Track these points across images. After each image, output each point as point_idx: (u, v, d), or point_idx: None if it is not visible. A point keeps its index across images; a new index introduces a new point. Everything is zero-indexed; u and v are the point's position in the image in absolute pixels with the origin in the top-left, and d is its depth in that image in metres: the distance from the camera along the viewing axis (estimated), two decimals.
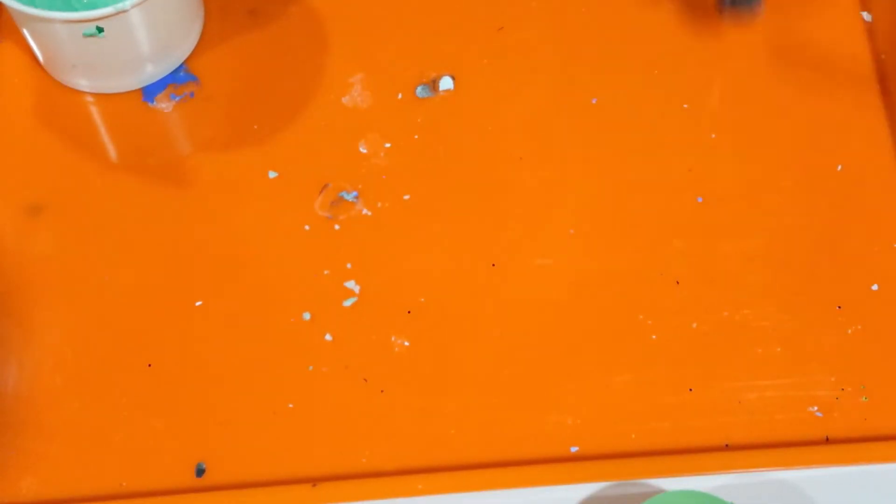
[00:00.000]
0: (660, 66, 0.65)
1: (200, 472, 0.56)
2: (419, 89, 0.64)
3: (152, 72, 0.64)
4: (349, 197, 0.62)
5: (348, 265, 0.60)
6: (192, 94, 0.64)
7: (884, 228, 0.60)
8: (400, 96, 0.64)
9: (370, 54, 0.66)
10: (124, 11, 0.58)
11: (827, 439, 0.56)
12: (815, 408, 0.56)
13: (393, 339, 0.58)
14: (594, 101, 0.64)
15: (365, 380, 0.57)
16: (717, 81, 0.64)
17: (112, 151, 0.64)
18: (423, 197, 0.62)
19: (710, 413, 0.56)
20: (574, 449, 0.56)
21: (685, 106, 0.64)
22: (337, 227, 0.61)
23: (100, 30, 0.59)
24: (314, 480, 0.55)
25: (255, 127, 0.63)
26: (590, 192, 0.62)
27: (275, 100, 0.64)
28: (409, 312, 0.59)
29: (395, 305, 0.59)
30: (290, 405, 0.57)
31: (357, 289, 0.59)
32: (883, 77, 0.64)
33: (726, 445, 0.56)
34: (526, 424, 0.56)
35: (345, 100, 0.64)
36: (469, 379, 0.57)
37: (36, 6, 0.58)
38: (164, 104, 0.64)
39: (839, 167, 0.62)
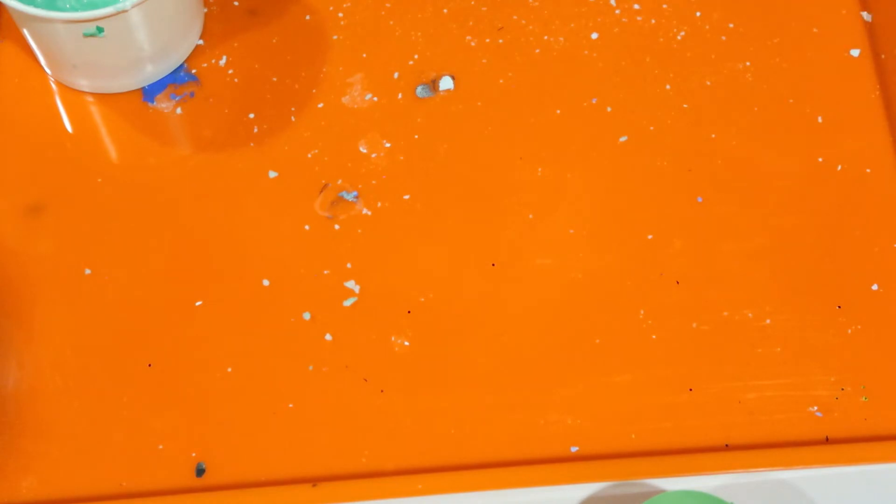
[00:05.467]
0: (659, 65, 0.65)
1: (200, 472, 0.56)
2: (419, 89, 0.64)
3: (152, 72, 0.64)
4: (349, 197, 0.62)
5: (348, 265, 0.60)
6: (192, 94, 0.64)
7: (884, 228, 0.60)
8: (400, 96, 0.64)
9: (370, 54, 0.66)
10: (124, 11, 0.58)
11: (827, 439, 0.56)
12: (815, 408, 0.56)
13: (393, 339, 0.58)
14: (594, 101, 0.64)
15: (365, 380, 0.57)
16: (718, 81, 0.64)
17: (112, 151, 0.64)
18: (423, 197, 0.62)
19: (710, 413, 0.56)
20: (574, 449, 0.56)
21: (685, 106, 0.64)
22: (337, 227, 0.61)
23: (100, 30, 0.59)
24: (314, 480, 0.55)
25: (255, 127, 0.63)
26: (590, 192, 0.62)
27: (275, 100, 0.64)
28: (409, 312, 0.59)
29: (395, 305, 0.59)
30: (290, 405, 0.57)
31: (357, 289, 0.59)
32: (883, 77, 0.64)
33: (726, 445, 0.56)
34: (526, 424, 0.56)
35: (345, 100, 0.64)
36: (469, 379, 0.57)
37: (36, 6, 0.58)
38: (164, 104, 0.64)
39: (839, 167, 0.62)
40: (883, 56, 0.65)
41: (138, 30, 0.61)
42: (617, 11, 0.66)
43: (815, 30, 0.65)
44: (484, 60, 0.65)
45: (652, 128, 0.63)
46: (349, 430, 0.56)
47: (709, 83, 0.64)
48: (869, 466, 0.55)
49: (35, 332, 0.59)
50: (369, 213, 0.61)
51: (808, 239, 0.60)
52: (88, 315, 0.59)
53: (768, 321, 0.58)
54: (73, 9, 0.59)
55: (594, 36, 0.66)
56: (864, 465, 0.55)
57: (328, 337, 0.58)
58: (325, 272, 0.60)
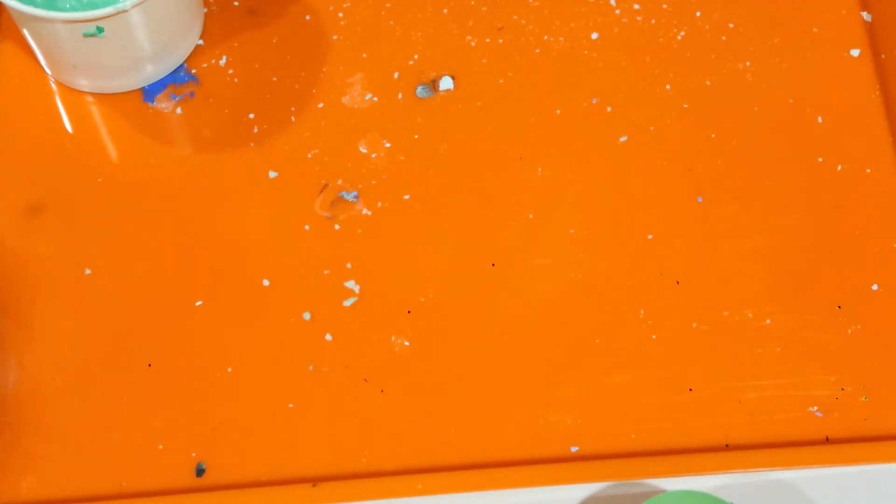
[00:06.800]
0: (659, 65, 0.65)
1: (200, 472, 0.56)
2: (419, 89, 0.64)
3: (152, 72, 0.64)
4: (349, 197, 0.62)
5: (348, 265, 0.60)
6: (192, 94, 0.64)
7: (884, 228, 0.60)
8: (400, 96, 0.64)
9: (370, 54, 0.66)
10: (124, 11, 0.58)
11: (827, 439, 0.56)
12: (815, 408, 0.56)
13: (393, 339, 0.58)
14: (594, 101, 0.64)
15: (365, 380, 0.57)
16: (718, 81, 0.64)
17: (112, 151, 0.64)
18: (423, 197, 0.62)
19: (710, 413, 0.56)
20: (574, 449, 0.56)
21: (685, 106, 0.64)
22: (337, 227, 0.61)
23: (100, 30, 0.59)
24: (314, 480, 0.55)
25: (255, 127, 0.63)
26: (590, 192, 0.62)
27: (275, 100, 0.64)
28: (409, 312, 0.59)
29: (395, 305, 0.59)
30: (290, 405, 0.57)
31: (357, 289, 0.59)
32: (883, 77, 0.64)
33: (726, 445, 0.56)
34: (526, 424, 0.56)
35: (345, 100, 0.64)
36: (469, 379, 0.57)
37: (36, 6, 0.58)
38: (164, 104, 0.64)
39: (839, 167, 0.62)
40: (883, 56, 0.65)
41: (138, 30, 0.61)
42: (617, 11, 0.66)
43: (815, 30, 0.66)
44: (484, 60, 0.65)
45: (652, 128, 0.63)
46: (349, 430, 0.56)
47: (709, 83, 0.64)
48: (869, 466, 0.55)
49: (35, 332, 0.59)
50: (369, 213, 0.61)
51: (808, 239, 0.60)
52: (88, 315, 0.59)
53: (768, 321, 0.58)
54: (73, 9, 0.59)
55: (594, 36, 0.66)
56: (864, 465, 0.55)
57: (328, 337, 0.58)
58: (325, 272, 0.60)
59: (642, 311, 0.59)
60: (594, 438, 0.56)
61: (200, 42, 0.66)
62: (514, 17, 0.66)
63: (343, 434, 0.56)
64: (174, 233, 0.61)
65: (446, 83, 0.64)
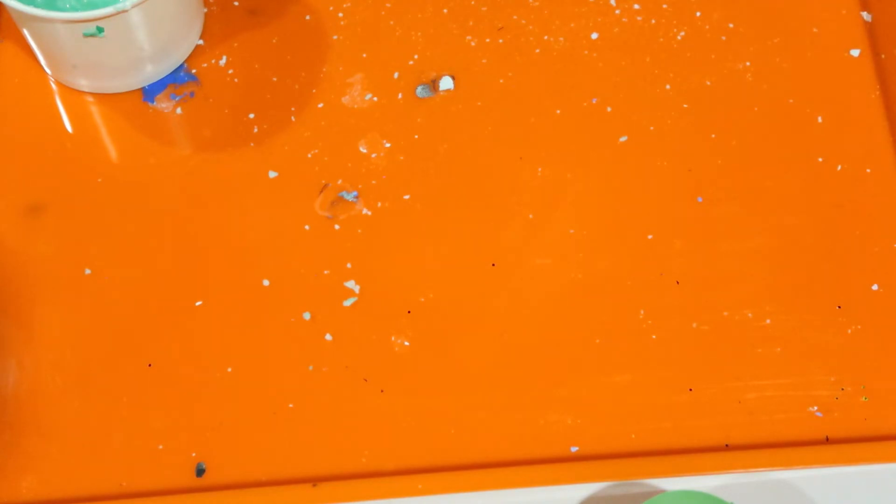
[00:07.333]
0: (659, 65, 0.65)
1: (200, 472, 0.56)
2: (419, 89, 0.64)
3: (152, 72, 0.64)
4: (349, 197, 0.62)
5: (348, 265, 0.60)
6: (192, 94, 0.64)
7: (884, 228, 0.60)
8: (400, 96, 0.64)
9: (370, 54, 0.66)
10: (124, 11, 0.58)
11: (827, 439, 0.56)
12: (815, 408, 0.56)
13: (393, 339, 0.58)
14: (594, 101, 0.64)
15: (365, 380, 0.57)
16: (718, 81, 0.64)
17: (112, 151, 0.64)
18: (423, 197, 0.62)
19: (710, 413, 0.56)
20: (574, 449, 0.56)
21: (685, 106, 0.64)
22: (337, 227, 0.61)
23: (100, 30, 0.59)
24: (314, 480, 0.55)
25: (255, 127, 0.63)
26: (590, 192, 0.62)
27: (275, 100, 0.64)
28: (409, 312, 0.59)
29: (395, 305, 0.59)
30: (290, 405, 0.57)
31: (357, 289, 0.59)
32: (883, 77, 0.64)
33: (726, 445, 0.56)
34: (526, 424, 0.56)
35: (345, 100, 0.64)
36: (469, 379, 0.57)
37: (36, 6, 0.58)
38: (164, 104, 0.64)
39: (839, 167, 0.62)
40: (883, 56, 0.65)
41: (138, 30, 0.61)
42: (617, 11, 0.66)
43: (815, 30, 0.66)
44: (484, 60, 0.65)
45: (652, 128, 0.63)
46: (349, 430, 0.56)
47: (709, 83, 0.64)
48: (869, 466, 0.55)
49: (35, 332, 0.59)
50: (369, 213, 0.61)
51: (808, 239, 0.60)
52: (88, 315, 0.59)
53: (768, 321, 0.58)
54: (73, 9, 0.59)
55: (594, 36, 0.66)
56: (864, 465, 0.55)
57: (328, 337, 0.58)
58: (325, 272, 0.60)
59: (642, 311, 0.59)
60: (594, 438, 0.56)
61: (200, 42, 0.66)
62: (514, 17, 0.66)
63: (343, 434, 0.56)
64: (174, 233, 0.61)
65: (446, 83, 0.64)
